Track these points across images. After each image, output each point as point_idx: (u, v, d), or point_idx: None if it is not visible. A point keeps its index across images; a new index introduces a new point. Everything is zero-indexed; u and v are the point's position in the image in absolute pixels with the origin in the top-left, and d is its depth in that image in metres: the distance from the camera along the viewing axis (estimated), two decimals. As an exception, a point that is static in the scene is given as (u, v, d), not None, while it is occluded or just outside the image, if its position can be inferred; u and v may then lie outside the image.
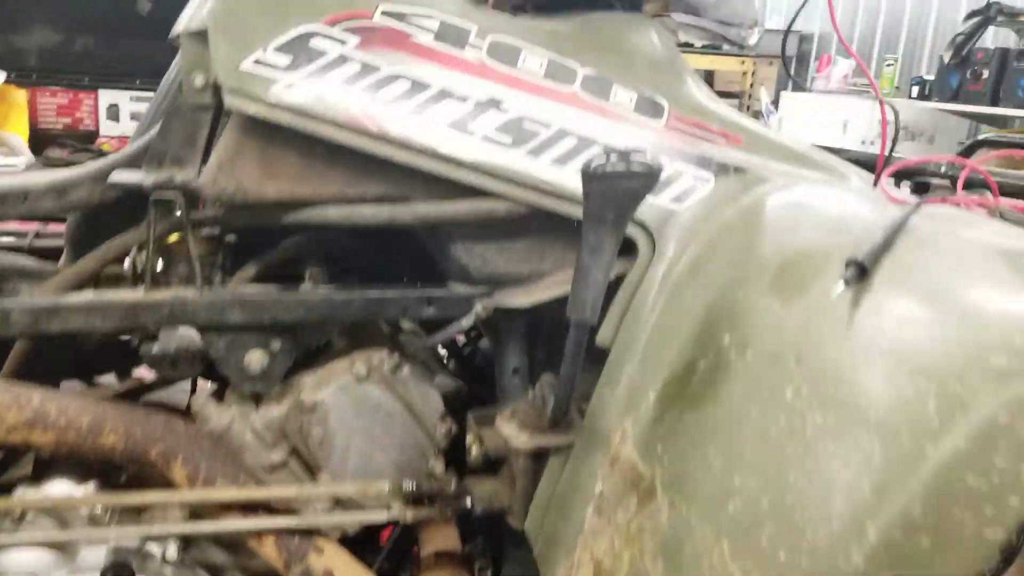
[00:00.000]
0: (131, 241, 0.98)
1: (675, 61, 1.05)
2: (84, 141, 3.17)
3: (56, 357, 1.13)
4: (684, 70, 1.05)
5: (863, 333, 0.66)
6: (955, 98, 3.74)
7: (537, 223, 0.94)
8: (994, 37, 4.05)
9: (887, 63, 4.35)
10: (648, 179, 0.69)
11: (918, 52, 4.73)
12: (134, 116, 3.37)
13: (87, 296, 0.90)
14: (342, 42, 0.88)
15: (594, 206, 0.69)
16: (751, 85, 4.96)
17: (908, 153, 3.73)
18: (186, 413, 1.02)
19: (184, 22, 0.94)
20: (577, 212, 0.83)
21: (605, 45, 1.01)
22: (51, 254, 1.18)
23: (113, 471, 1.02)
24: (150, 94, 1.58)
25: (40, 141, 3.19)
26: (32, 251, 1.19)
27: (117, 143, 3.22)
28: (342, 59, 0.88)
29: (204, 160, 0.93)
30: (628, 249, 0.91)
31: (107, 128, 3.42)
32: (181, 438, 0.91)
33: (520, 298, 0.92)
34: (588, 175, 0.69)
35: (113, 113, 3.43)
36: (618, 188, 0.68)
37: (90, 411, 0.87)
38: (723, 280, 0.79)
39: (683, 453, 0.73)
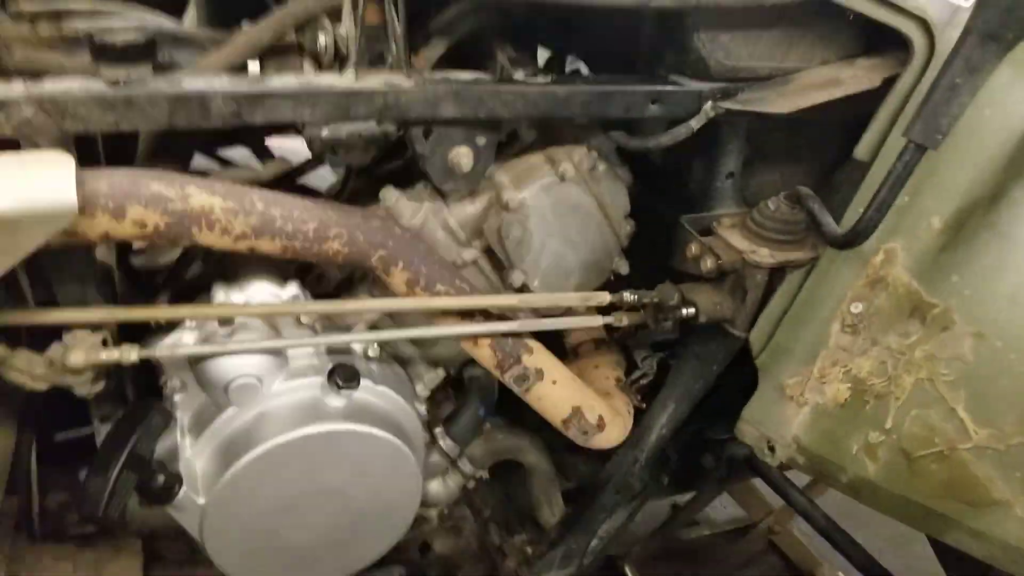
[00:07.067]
0: (316, 8, 0.84)
1: None
2: None
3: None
4: None
5: None
6: None
7: (792, 12, 0.83)
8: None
9: None
10: None
11: None
12: None
13: (292, 83, 0.78)
14: None
15: (990, 19, 0.60)
16: None
17: None
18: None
19: None
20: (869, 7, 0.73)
21: None
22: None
23: (303, 270, 0.97)
24: None
25: None
26: None
27: None
28: None
29: None
30: (894, 47, 0.81)
31: None
32: (400, 242, 0.85)
33: (777, 104, 0.83)
34: None
35: None
36: None
37: (314, 216, 0.79)
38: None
39: (990, 287, 0.71)
